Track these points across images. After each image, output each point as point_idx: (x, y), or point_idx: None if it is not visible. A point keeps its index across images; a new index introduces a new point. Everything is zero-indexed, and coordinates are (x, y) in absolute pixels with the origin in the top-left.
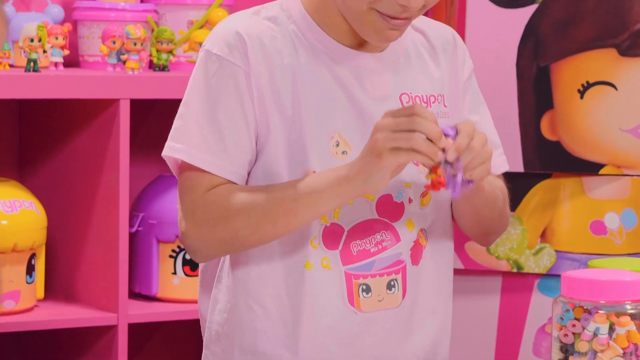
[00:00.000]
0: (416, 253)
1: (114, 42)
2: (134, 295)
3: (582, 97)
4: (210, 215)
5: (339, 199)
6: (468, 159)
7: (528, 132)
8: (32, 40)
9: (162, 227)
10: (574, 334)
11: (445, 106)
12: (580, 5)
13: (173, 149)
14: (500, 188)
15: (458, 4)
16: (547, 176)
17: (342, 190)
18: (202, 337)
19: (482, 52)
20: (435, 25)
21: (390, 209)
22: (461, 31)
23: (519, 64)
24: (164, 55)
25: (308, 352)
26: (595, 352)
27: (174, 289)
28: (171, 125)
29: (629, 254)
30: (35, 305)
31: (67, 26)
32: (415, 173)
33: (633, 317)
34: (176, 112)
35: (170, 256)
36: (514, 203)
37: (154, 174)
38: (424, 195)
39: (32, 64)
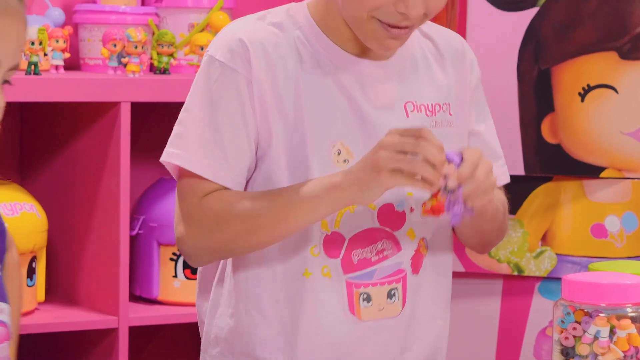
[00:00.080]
0: (416, 262)
1: (115, 45)
2: (134, 298)
3: (582, 100)
4: (206, 221)
5: (330, 207)
6: (470, 189)
7: (529, 135)
8: (32, 43)
9: (163, 230)
10: (574, 337)
11: (450, 115)
12: (581, 8)
13: (171, 155)
14: (501, 201)
15: (459, 7)
16: (547, 179)
17: (334, 198)
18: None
19: (482, 55)
20: (444, 32)
21: (391, 218)
22: (462, 34)
23: (519, 67)
24: (164, 58)
25: None
26: (596, 355)
27: (175, 292)
28: (172, 128)
29: (629, 257)
30: (36, 308)
31: (68, 29)
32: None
33: (634, 320)
34: (177, 115)
35: (171, 259)
36: (515, 206)
37: (155, 176)
38: (425, 204)
39: (32, 67)
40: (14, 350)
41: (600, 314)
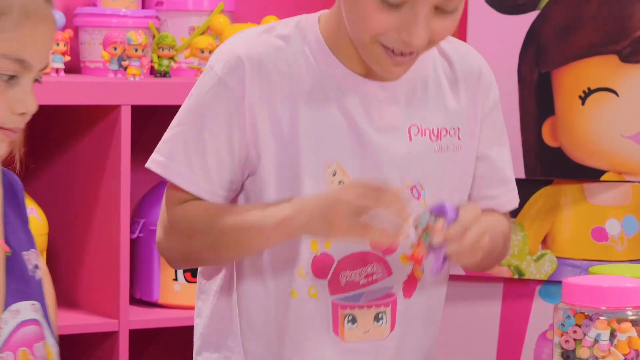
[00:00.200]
0: (409, 286)
1: (115, 48)
2: (135, 301)
3: (583, 104)
4: (178, 229)
5: (281, 239)
6: (454, 251)
7: (529, 138)
8: None
9: None
10: (575, 340)
11: (459, 139)
12: (581, 11)
13: (154, 161)
14: (502, 232)
15: None
16: (548, 182)
17: (284, 232)
18: None
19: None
20: (463, 51)
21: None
22: (462, 37)
23: (520, 70)
24: (165, 62)
25: None
26: (596, 359)
27: (175, 295)
28: None
29: (630, 261)
30: None
31: (68, 32)
32: (414, 207)
33: (634, 323)
34: None
35: None
36: (515, 209)
37: (155, 180)
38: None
39: None
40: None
41: (601, 317)
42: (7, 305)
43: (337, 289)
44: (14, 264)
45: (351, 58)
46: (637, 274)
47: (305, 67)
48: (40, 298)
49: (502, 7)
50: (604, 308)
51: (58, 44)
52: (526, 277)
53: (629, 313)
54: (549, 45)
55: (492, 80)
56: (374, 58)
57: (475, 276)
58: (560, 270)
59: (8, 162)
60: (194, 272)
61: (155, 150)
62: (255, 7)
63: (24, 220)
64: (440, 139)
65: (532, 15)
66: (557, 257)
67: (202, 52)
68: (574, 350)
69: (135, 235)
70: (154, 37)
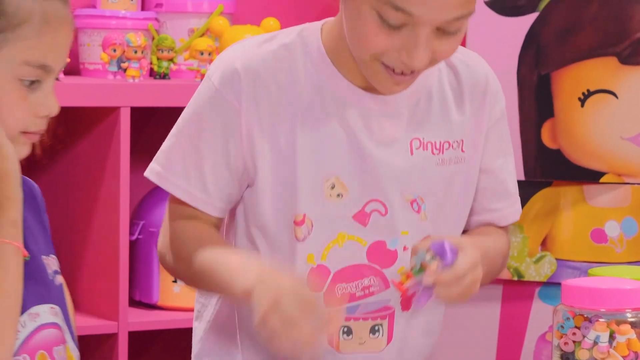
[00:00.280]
0: (408, 299)
1: (115, 50)
2: (134, 303)
3: (582, 106)
4: (165, 250)
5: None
6: (443, 295)
7: (529, 140)
8: None
9: None
10: (574, 342)
11: (463, 151)
12: (581, 13)
13: (152, 171)
14: (501, 253)
15: None
16: (547, 184)
17: (243, 300)
18: None
19: None
20: (471, 61)
21: (382, 256)
22: (461, 39)
23: (519, 72)
24: (164, 63)
25: None
26: None
27: (175, 297)
28: None
29: (629, 262)
30: None
31: None
32: (414, 221)
33: (633, 325)
34: (176, 120)
35: None
36: None
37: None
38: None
39: None
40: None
41: (600, 319)
42: (26, 308)
43: (333, 301)
44: (34, 268)
45: (352, 70)
46: (637, 276)
47: (305, 78)
48: (61, 302)
49: (501, 9)
50: (603, 310)
51: None
52: (525, 279)
53: (628, 315)
54: (549, 47)
55: (499, 89)
56: (374, 75)
57: None
58: (560, 272)
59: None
60: None
61: (154, 159)
62: (255, 9)
63: (43, 226)
64: (443, 153)
65: (531, 17)
66: (557, 259)
67: (202, 54)
68: (573, 352)
69: (134, 237)
70: (153, 38)
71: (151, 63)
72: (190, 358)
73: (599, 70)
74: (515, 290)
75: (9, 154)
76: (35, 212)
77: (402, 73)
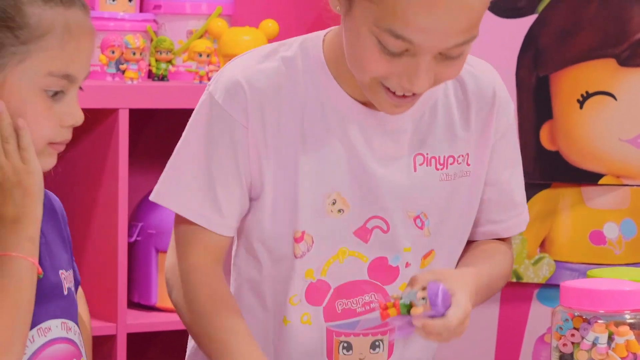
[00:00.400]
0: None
1: (113, 52)
2: (132, 304)
3: (581, 107)
4: (173, 282)
5: None
6: (423, 337)
7: (527, 142)
8: None
9: (161, 237)
10: (573, 343)
11: (468, 165)
12: (580, 15)
13: (163, 197)
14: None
15: None
16: (546, 186)
17: None
18: None
19: None
20: (477, 72)
21: (383, 272)
22: None
23: (518, 74)
24: (163, 65)
25: None
26: None
27: None
28: (170, 135)
29: (628, 264)
30: None
31: None
32: (417, 237)
33: (632, 326)
34: (175, 121)
35: None
36: None
37: (153, 183)
38: (426, 256)
39: None
40: None
41: (599, 321)
42: (37, 324)
43: (333, 316)
44: (48, 284)
45: (354, 83)
46: (635, 278)
47: (307, 94)
48: (75, 318)
49: (500, 10)
50: (602, 311)
51: None
52: (524, 280)
53: (627, 316)
54: (548, 48)
55: (507, 100)
56: (375, 97)
57: None
58: (558, 274)
59: None
60: None
61: (161, 182)
62: (253, 11)
63: (64, 239)
64: (447, 168)
65: (530, 19)
66: (555, 261)
67: (200, 55)
68: (571, 354)
69: (133, 239)
70: (151, 40)
71: (150, 65)
72: None
73: (598, 72)
74: (514, 292)
75: (36, 170)
76: (56, 226)
77: (403, 95)
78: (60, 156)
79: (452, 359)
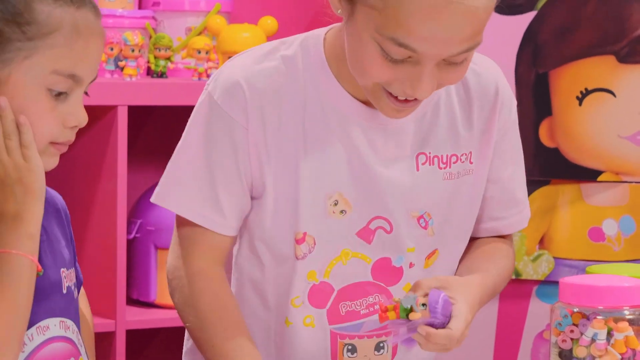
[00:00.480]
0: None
1: (112, 49)
2: (131, 301)
3: (580, 104)
4: (175, 283)
5: None
6: (422, 342)
7: (526, 139)
8: None
9: (160, 234)
10: (572, 339)
11: (471, 163)
12: (579, 12)
13: (163, 199)
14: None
15: None
16: (545, 183)
17: None
18: None
19: None
20: (480, 69)
21: (387, 273)
22: None
23: (517, 70)
24: (161, 62)
25: None
26: (593, 358)
27: None
28: (169, 131)
29: (627, 261)
30: None
31: None
32: (420, 237)
33: (631, 322)
34: (174, 118)
35: None
36: None
37: (152, 180)
38: (429, 256)
39: None
40: None
41: (598, 317)
42: (35, 322)
43: (337, 319)
44: (47, 282)
45: (355, 83)
46: (635, 274)
47: (307, 94)
48: (76, 316)
49: (499, 7)
50: (601, 307)
51: None
52: (523, 277)
53: (626, 312)
54: (547, 45)
55: (510, 97)
56: (377, 101)
57: None
58: (557, 271)
59: None
60: None
61: (162, 184)
62: (252, 8)
63: (67, 238)
64: (450, 166)
65: (529, 16)
66: (554, 258)
67: (199, 52)
68: (571, 350)
69: (132, 236)
70: (150, 37)
71: (148, 62)
72: None
73: (597, 69)
74: (513, 289)
75: (37, 167)
76: (59, 224)
77: (405, 100)
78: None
79: (452, 356)
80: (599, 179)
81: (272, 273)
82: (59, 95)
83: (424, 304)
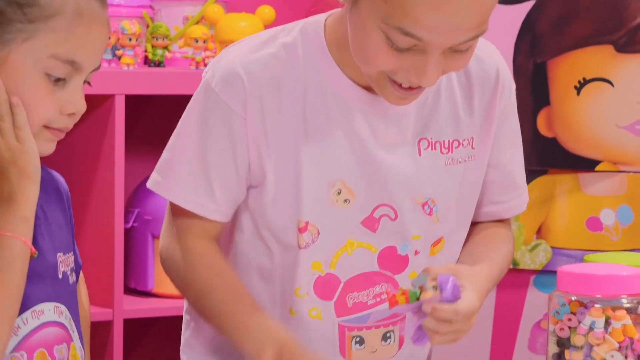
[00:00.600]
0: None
1: (109, 38)
2: (129, 290)
3: (578, 94)
4: (170, 262)
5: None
6: (432, 327)
7: (524, 128)
8: None
9: (158, 223)
10: (570, 328)
11: (473, 148)
12: (577, 1)
13: (159, 185)
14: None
15: None
16: (543, 172)
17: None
18: None
19: None
20: (481, 53)
21: (393, 262)
22: None
23: (515, 60)
24: (159, 51)
25: None
26: (591, 346)
27: (170, 285)
28: (166, 121)
29: (624, 250)
30: None
31: None
32: (426, 224)
33: (629, 311)
34: (171, 108)
35: None
36: None
37: (149, 169)
38: (435, 244)
39: None
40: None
41: (596, 305)
42: (30, 305)
43: (344, 311)
44: (43, 265)
45: (357, 70)
46: (633, 262)
47: (308, 81)
48: (70, 301)
49: None
50: (599, 296)
51: None
52: (521, 267)
53: (624, 301)
54: (545, 35)
55: (509, 81)
56: (381, 89)
57: None
58: (555, 260)
59: None
60: None
61: (156, 169)
62: None
63: (67, 222)
64: (452, 152)
65: (527, 5)
66: (552, 247)
67: (196, 41)
68: (568, 338)
69: (129, 225)
70: (147, 26)
71: (146, 51)
72: None
73: (595, 59)
74: (510, 278)
75: (31, 149)
76: (60, 207)
77: (409, 88)
78: (56, 142)
79: (450, 346)
80: (597, 168)
81: (279, 260)
82: (58, 80)
83: (434, 287)
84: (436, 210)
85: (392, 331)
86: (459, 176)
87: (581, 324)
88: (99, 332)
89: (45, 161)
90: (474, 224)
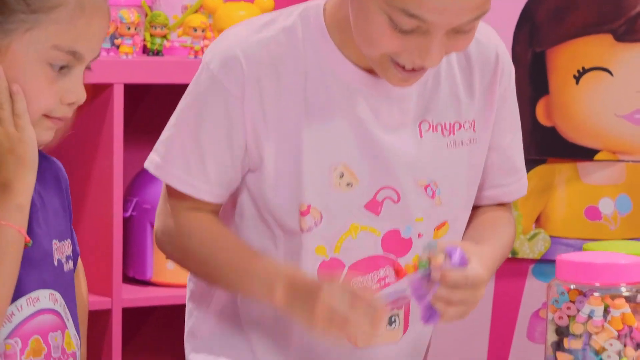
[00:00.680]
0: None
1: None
2: (128, 279)
3: (577, 83)
4: (177, 245)
5: (266, 302)
6: (444, 295)
7: (523, 117)
8: None
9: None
10: (568, 316)
11: (474, 131)
12: None
13: (152, 162)
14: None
15: None
16: (542, 162)
17: (268, 300)
18: None
19: None
20: (480, 36)
21: (396, 245)
22: None
23: (514, 49)
24: (157, 40)
25: None
26: (589, 335)
27: (168, 274)
28: (165, 110)
29: (623, 239)
30: None
31: None
32: (428, 206)
33: (628, 299)
34: (170, 97)
35: None
36: None
37: None
38: (439, 227)
39: None
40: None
41: (595, 294)
42: (26, 292)
43: None
44: (39, 253)
45: (357, 52)
46: (632, 251)
47: (308, 64)
48: (65, 289)
49: None
50: (598, 284)
51: None
52: (519, 256)
53: (623, 289)
54: (544, 24)
55: (509, 63)
56: (383, 71)
57: None
58: (554, 249)
59: None
60: None
61: (153, 149)
62: None
63: (65, 209)
64: (454, 134)
65: None
66: (551, 236)
67: (195, 30)
68: (567, 327)
69: (128, 214)
70: (146, 15)
71: (144, 40)
72: (183, 334)
73: (594, 48)
74: (509, 268)
75: (29, 138)
76: (58, 194)
77: (412, 69)
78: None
79: (447, 333)
80: (596, 157)
81: (284, 245)
82: (61, 69)
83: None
84: (439, 193)
85: (397, 315)
86: (463, 160)
87: (580, 313)
88: (98, 321)
89: (44, 149)
90: (475, 208)
